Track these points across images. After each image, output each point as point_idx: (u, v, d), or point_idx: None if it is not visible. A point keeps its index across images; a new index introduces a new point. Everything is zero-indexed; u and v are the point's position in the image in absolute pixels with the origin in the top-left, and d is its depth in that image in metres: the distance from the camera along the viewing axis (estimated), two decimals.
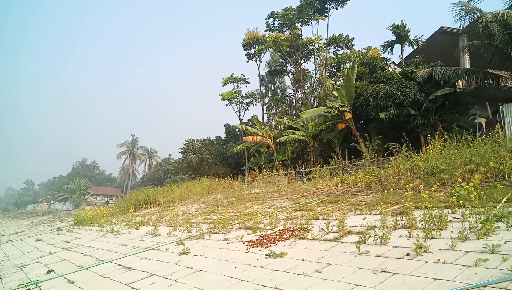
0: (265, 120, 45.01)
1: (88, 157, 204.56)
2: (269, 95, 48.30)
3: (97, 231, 17.99)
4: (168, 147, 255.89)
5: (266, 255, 7.08)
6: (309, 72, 43.66)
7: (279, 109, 44.11)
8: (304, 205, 11.49)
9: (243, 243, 8.52)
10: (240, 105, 47.43)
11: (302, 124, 29.04)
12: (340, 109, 23.47)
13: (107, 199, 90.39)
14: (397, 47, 31.84)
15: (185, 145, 50.74)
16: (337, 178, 15.65)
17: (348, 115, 23.47)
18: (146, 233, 13.11)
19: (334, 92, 25.26)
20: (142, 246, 10.86)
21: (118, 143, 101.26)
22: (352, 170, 18.51)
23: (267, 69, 48.78)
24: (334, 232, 7.77)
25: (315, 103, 37.41)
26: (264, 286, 5.49)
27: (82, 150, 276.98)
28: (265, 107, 46.67)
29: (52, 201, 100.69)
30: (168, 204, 22.88)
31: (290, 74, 45.47)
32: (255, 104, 48.29)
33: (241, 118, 47.55)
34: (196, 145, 50.03)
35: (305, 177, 22.50)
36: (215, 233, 10.29)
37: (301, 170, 25.30)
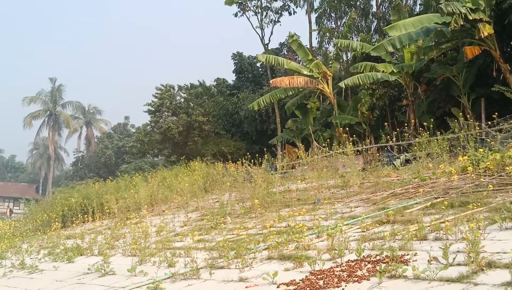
0: (315, 43, 27.37)
1: None
2: None
3: None
4: (125, 105, 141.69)
5: None
6: None
7: (343, 20, 26.41)
8: (396, 213, 7.32)
9: (277, 286, 5.04)
10: (264, 14, 26.70)
11: (390, 49, 16.77)
12: (470, 17, 13.56)
13: (10, 205, 59.51)
14: None
15: (156, 96, 29.14)
16: (465, 157, 9.27)
17: (487, 29, 13.78)
18: (89, 268, 8.26)
19: None
20: None
21: (25, 96, 56.18)
22: (495, 142, 10.92)
23: None
24: (458, 264, 4.54)
25: (417, 7, 23.70)
26: None
27: None
28: (314, 16, 27.06)
29: None
30: (127, 213, 14.68)
31: None
32: (294, 12, 27.14)
33: (267, 42, 27.50)
34: (178, 98, 29.76)
35: (399, 158, 13.82)
36: (222, 267, 6.44)
37: (390, 143, 14.57)
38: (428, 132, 12.36)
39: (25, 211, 25.37)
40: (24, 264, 10.16)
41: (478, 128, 12.41)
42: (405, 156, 13.57)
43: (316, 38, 28.08)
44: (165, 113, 28.92)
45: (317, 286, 4.67)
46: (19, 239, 15.55)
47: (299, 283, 4.91)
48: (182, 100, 29.66)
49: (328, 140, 17.88)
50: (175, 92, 30.01)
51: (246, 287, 5.26)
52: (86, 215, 16.10)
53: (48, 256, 11.01)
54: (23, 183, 71.12)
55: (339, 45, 20.77)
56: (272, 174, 14.08)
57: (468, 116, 14.51)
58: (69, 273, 8.65)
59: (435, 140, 11.53)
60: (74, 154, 58.11)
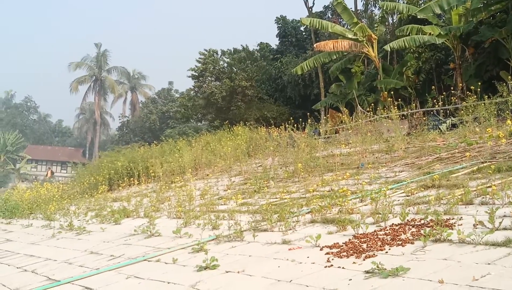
0: (360, 6, 26.57)
1: (17, 90, 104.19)
2: None
3: (43, 227, 12.06)
4: (168, 71, 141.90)
5: (367, 272, 4.10)
6: None
7: None
8: (442, 177, 7.26)
9: (320, 249, 5.11)
10: None
11: (437, 11, 16.64)
12: None
13: (56, 168, 60.67)
14: None
15: (200, 61, 29.24)
16: None
17: None
18: (135, 230, 8.54)
19: None
20: (128, 254, 6.98)
21: (71, 61, 56.74)
22: None
23: None
24: (505, 228, 4.48)
25: None
26: None
27: (3, 78, 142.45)
28: None
29: None
30: (172, 177, 14.92)
31: None
32: None
33: (311, 5, 26.84)
34: (222, 62, 29.74)
35: (445, 122, 13.58)
36: (265, 230, 6.59)
37: (436, 107, 14.40)
38: (475, 96, 12.06)
39: (73, 175, 26.26)
40: (72, 226, 10.48)
41: None
42: (452, 120, 13.20)
43: (362, 1, 27.18)
44: (209, 78, 29.05)
45: (361, 249, 4.74)
46: (67, 202, 16.13)
47: (342, 246, 4.99)
48: (225, 65, 29.58)
49: (372, 104, 17.49)
50: (218, 57, 29.83)
51: (289, 249, 5.39)
52: (132, 179, 16.54)
53: (95, 218, 11.38)
54: (70, 147, 72.90)
55: (384, 8, 20.13)
56: (315, 139, 13.99)
57: None
58: (116, 234, 8.93)
59: (483, 104, 11.12)
60: (119, 119, 59.25)
